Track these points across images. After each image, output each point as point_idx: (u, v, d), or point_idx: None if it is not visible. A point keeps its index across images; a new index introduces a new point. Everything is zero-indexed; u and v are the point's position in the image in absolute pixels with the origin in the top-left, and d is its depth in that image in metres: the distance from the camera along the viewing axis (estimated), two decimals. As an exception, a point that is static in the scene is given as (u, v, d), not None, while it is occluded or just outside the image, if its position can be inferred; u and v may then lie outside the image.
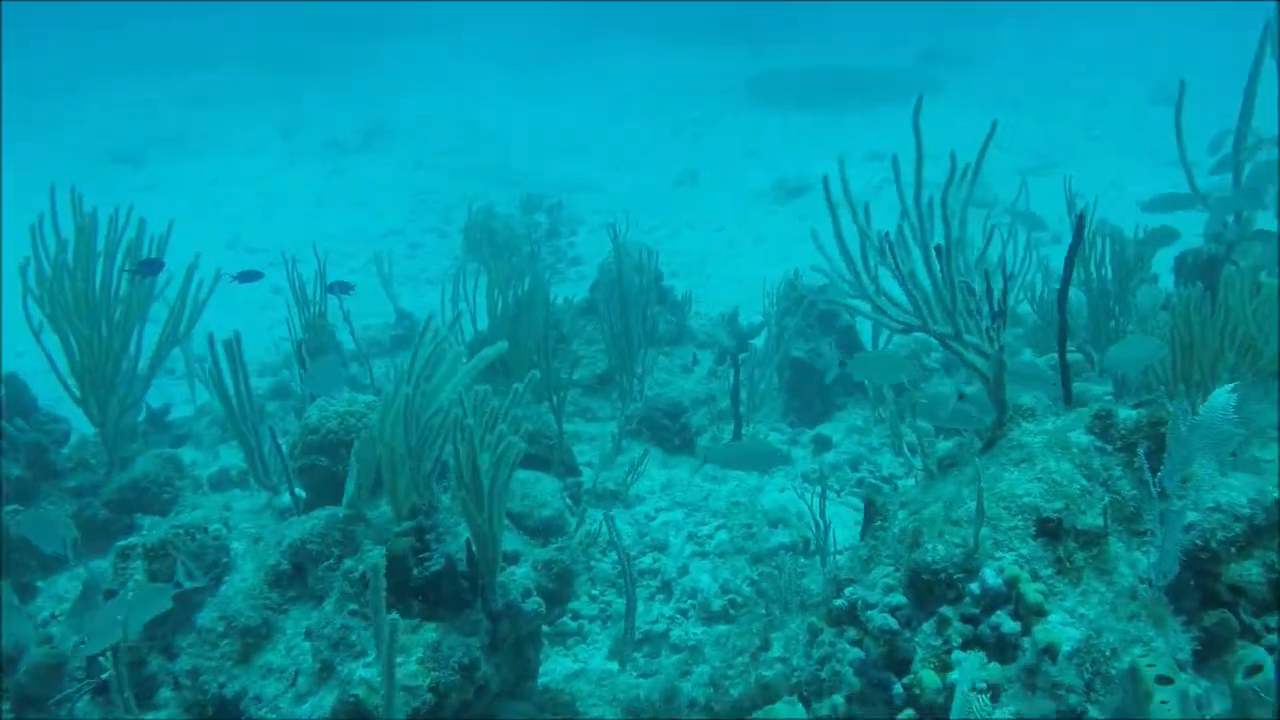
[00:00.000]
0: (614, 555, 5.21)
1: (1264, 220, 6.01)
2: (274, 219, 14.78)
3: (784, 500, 5.62)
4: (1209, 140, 6.71)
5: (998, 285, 3.23)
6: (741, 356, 6.86)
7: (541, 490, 4.93)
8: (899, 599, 2.85)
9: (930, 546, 2.81)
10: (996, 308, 3.24)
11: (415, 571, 3.26)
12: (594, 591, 4.92)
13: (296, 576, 3.64)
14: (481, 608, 3.30)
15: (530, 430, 5.42)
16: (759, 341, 7.87)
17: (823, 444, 6.45)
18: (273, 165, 17.64)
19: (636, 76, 22.73)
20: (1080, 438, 2.93)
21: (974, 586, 2.71)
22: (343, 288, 6.34)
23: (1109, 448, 2.90)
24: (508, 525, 4.49)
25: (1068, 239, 4.24)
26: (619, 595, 4.87)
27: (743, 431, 6.31)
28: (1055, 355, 3.72)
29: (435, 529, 3.34)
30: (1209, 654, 2.66)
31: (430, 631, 3.14)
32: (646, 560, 5.14)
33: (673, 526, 5.40)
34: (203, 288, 5.55)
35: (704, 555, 5.19)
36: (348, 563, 3.42)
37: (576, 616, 4.74)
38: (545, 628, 4.20)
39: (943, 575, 2.77)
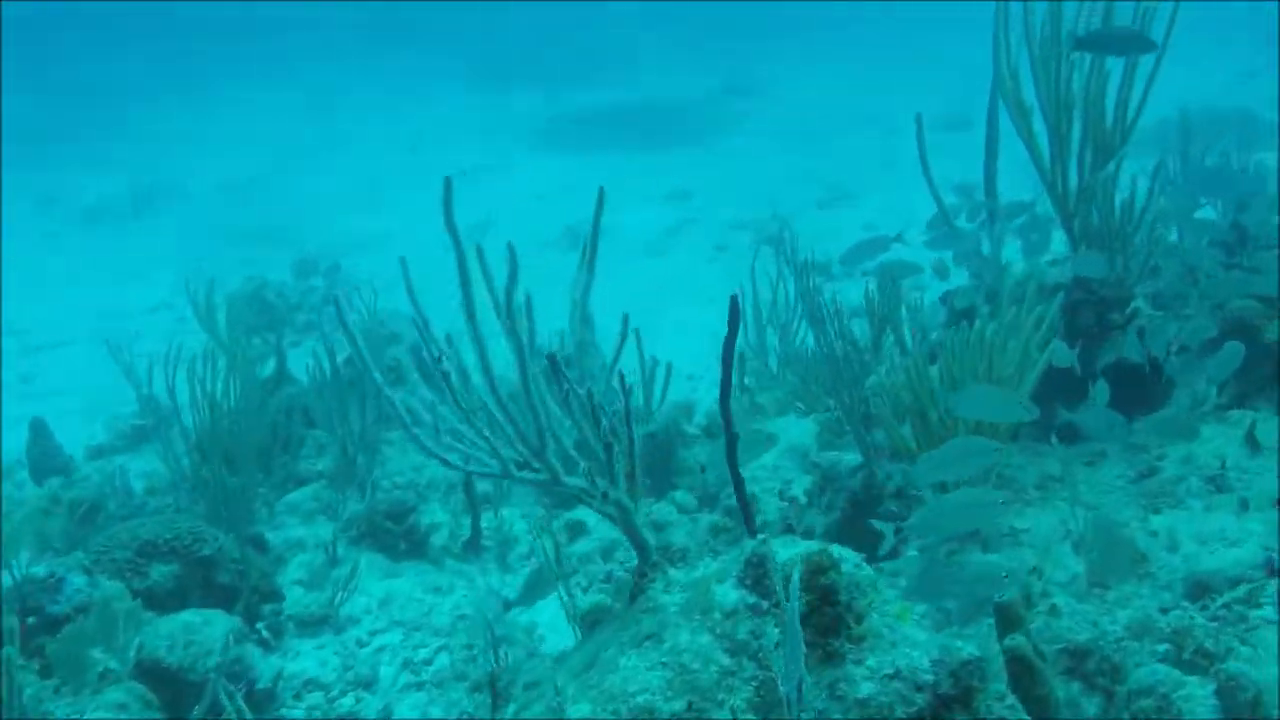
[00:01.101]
0: (312, 697, 4.46)
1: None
2: (36, 297, 13.53)
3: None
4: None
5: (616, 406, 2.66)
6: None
7: (208, 635, 4.14)
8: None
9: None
10: (607, 438, 2.66)
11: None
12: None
13: None
14: None
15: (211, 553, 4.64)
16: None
17: (577, 530, 5.82)
18: (33, 238, 16.25)
19: (429, 123, 21.98)
20: (727, 595, 2.34)
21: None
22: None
23: (764, 604, 2.32)
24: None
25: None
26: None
27: (482, 524, 5.65)
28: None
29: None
30: None
31: None
32: (348, 701, 4.40)
33: (387, 652, 4.67)
34: None
35: (420, 686, 4.48)
36: None
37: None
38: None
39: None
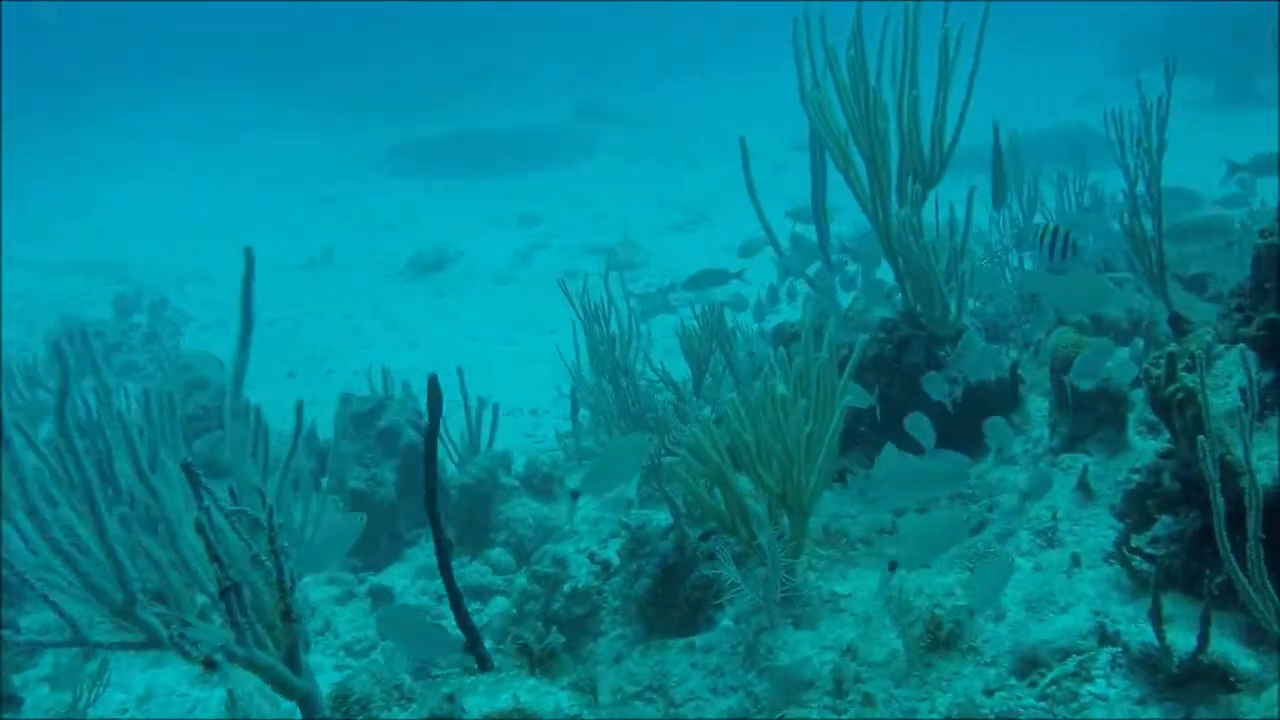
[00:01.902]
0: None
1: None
2: None
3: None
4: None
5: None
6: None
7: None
8: None
9: None
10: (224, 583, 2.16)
11: None
12: None
13: None
14: None
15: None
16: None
17: (381, 596, 5.28)
18: None
19: (277, 153, 21.06)
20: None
21: None
22: None
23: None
24: None
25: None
26: None
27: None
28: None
29: None
30: None
31: None
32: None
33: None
34: None
35: (176, 800, 3.89)
36: None
37: None
38: None
39: None
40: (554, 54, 26.73)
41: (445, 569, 2.38)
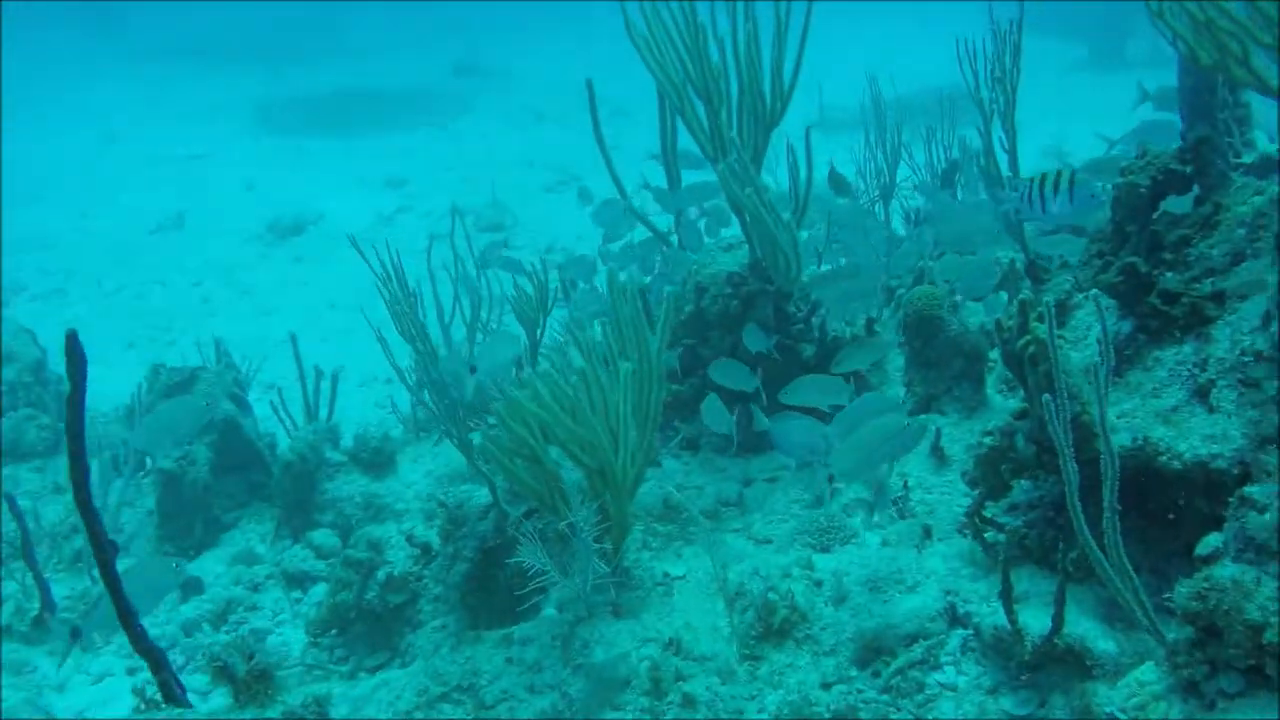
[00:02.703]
0: None
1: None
2: None
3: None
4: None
5: None
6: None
7: None
8: None
9: None
10: None
11: None
12: None
13: None
14: None
15: None
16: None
17: (191, 588, 4.77)
18: None
19: (129, 107, 19.86)
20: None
21: None
22: None
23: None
24: None
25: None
26: None
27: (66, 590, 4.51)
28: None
29: None
30: None
31: None
32: None
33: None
34: None
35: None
36: None
37: None
38: None
39: None
40: (434, 10, 25.79)
41: (109, 575, 1.91)
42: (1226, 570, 2.17)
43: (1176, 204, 3.16)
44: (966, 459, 3.35)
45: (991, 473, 2.86)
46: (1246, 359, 2.61)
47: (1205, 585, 2.15)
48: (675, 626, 2.89)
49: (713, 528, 3.65)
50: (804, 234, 4.67)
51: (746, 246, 4.14)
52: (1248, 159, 3.26)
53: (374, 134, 17.48)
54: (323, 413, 6.00)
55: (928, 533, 3.15)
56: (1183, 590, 2.20)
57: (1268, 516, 2.18)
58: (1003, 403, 3.68)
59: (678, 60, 3.80)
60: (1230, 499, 2.32)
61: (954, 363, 3.62)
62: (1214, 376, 2.67)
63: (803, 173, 4.22)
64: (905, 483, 3.35)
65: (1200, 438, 2.57)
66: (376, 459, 5.12)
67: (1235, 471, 2.49)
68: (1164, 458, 2.57)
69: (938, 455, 3.43)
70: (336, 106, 18.87)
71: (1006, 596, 2.51)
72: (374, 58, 23.05)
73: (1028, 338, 2.55)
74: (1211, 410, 2.63)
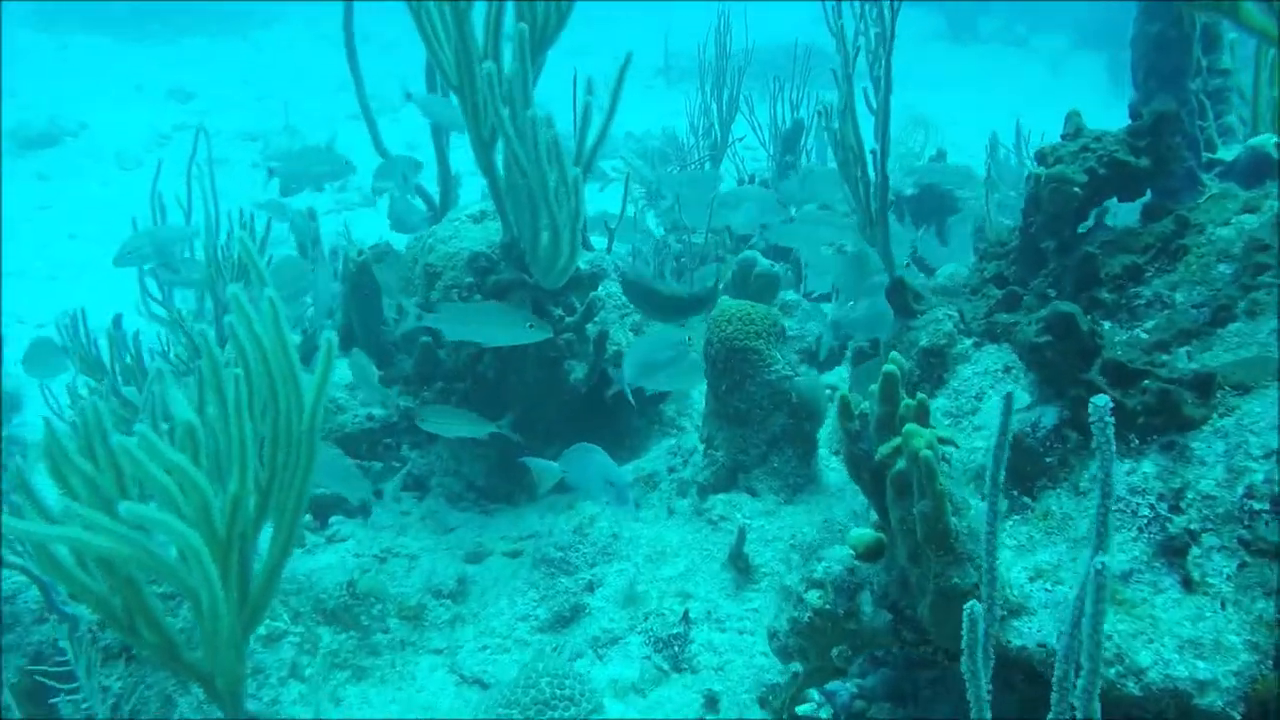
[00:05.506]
0: None
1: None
2: None
3: None
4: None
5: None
6: None
7: None
8: None
9: None
10: None
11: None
12: None
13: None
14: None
15: None
16: None
17: None
18: None
19: None
20: None
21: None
22: None
23: None
24: None
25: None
26: None
27: None
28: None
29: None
30: None
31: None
32: None
33: None
34: None
35: None
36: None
37: None
38: None
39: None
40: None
41: None
42: None
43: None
44: (780, 572, 2.20)
45: (818, 651, 1.70)
46: (1254, 505, 1.51)
47: None
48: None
49: (405, 643, 2.42)
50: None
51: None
52: (1225, 155, 2.18)
53: (163, 39, 15.52)
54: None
55: (712, 704, 1.99)
56: None
57: None
58: (839, 479, 2.52)
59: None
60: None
61: (773, 419, 2.44)
62: (1196, 525, 1.56)
63: (597, 118, 2.96)
64: (686, 613, 2.16)
65: (1174, 643, 1.46)
66: None
67: (1236, 716, 1.39)
68: (1113, 672, 1.45)
69: (739, 566, 2.25)
70: (124, 3, 16.66)
71: None
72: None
73: (899, 459, 1.37)
74: (1190, 587, 1.52)
